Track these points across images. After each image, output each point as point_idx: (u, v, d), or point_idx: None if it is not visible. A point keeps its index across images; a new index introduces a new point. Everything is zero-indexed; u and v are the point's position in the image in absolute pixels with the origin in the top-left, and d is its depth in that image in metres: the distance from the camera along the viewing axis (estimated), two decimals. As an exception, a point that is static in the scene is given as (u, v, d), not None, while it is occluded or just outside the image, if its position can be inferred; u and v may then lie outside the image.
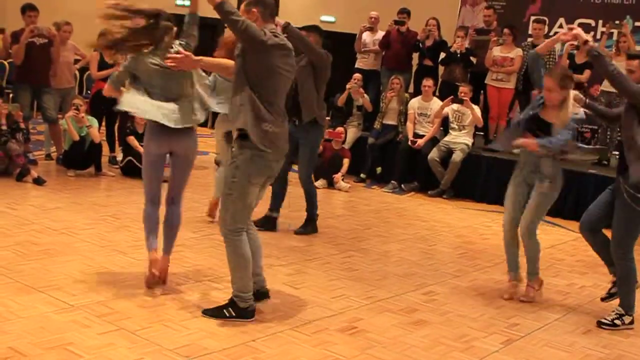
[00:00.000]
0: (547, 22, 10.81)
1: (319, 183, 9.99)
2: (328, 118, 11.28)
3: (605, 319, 5.44)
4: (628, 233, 5.31)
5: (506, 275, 5.99)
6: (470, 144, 10.17)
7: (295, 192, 7.64)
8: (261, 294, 4.96)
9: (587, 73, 10.22)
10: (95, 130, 9.09)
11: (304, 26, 7.28)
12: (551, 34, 12.54)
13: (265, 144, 4.57)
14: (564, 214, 9.34)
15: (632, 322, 5.41)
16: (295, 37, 6.63)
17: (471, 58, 10.74)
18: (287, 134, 4.81)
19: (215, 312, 4.76)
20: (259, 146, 4.55)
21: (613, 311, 5.49)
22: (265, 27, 4.62)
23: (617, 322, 5.39)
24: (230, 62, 4.97)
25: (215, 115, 7.17)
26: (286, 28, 6.42)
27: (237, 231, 4.66)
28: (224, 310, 4.74)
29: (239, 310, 4.73)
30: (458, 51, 10.57)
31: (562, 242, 8.16)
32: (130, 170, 9.17)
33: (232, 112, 4.70)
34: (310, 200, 7.35)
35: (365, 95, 10.93)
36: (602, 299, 5.79)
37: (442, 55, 10.91)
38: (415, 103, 10.56)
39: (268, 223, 7.16)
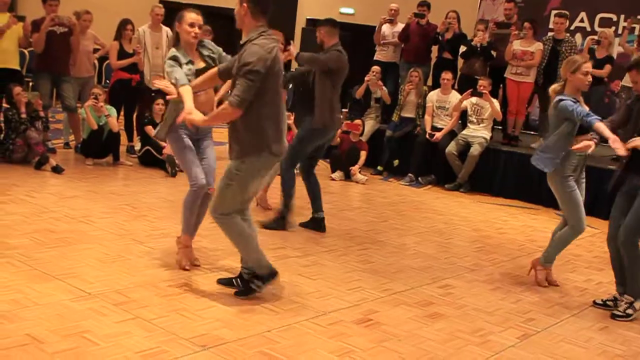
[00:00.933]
0: (568, 16, 10.71)
1: (336, 175, 10.00)
2: (346, 110, 11.30)
3: (618, 310, 5.45)
4: None
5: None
6: (488, 137, 10.13)
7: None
8: (272, 274, 5.03)
9: (607, 68, 10.14)
10: (114, 119, 9.13)
11: (318, 21, 7.23)
12: (572, 28, 12.48)
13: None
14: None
15: None
16: (306, 61, 6.73)
17: (491, 52, 10.69)
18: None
19: (244, 291, 4.97)
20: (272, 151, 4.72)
21: (622, 301, 5.49)
22: (255, 25, 4.65)
23: (629, 311, 5.40)
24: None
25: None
26: (296, 58, 6.68)
27: (226, 214, 4.77)
28: (251, 284, 4.94)
29: (262, 278, 4.92)
30: (478, 44, 10.51)
31: (579, 237, 8.07)
32: (148, 160, 9.21)
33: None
34: (282, 188, 7.08)
35: (384, 87, 10.90)
36: (594, 302, 5.75)
37: (462, 48, 10.86)
38: (433, 96, 10.53)
39: (317, 225, 7.10)
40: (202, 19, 5.32)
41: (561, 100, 5.64)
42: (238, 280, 5.05)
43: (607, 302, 5.66)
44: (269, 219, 7.03)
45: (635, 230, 5.33)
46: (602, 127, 5.30)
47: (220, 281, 5.13)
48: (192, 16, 5.24)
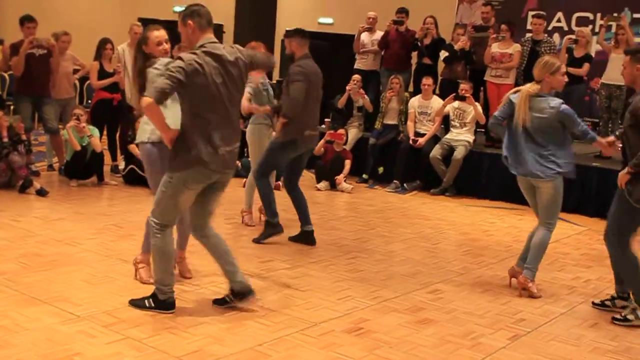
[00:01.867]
0: (546, 16, 10.79)
1: (321, 185, 10.01)
2: (328, 120, 11.32)
3: (619, 314, 5.37)
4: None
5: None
6: (471, 141, 10.17)
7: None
8: (246, 293, 5.02)
9: (586, 66, 10.24)
10: (97, 139, 9.10)
11: (286, 32, 7.22)
12: (550, 28, 12.57)
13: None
14: (568, 208, 9.33)
15: None
16: (291, 112, 6.59)
17: (472, 55, 10.74)
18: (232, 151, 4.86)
19: (138, 302, 4.93)
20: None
21: (626, 306, 5.42)
22: (202, 38, 4.67)
23: (630, 316, 5.30)
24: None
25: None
26: (285, 116, 6.62)
27: (162, 227, 4.77)
28: (145, 301, 4.90)
29: (158, 302, 4.86)
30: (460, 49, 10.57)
31: (566, 236, 8.15)
32: (133, 178, 9.18)
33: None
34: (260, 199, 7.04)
35: (366, 96, 10.93)
36: (593, 303, 5.72)
37: (443, 53, 10.89)
38: (415, 102, 10.56)
39: (306, 238, 7.05)
40: (165, 33, 5.32)
41: (562, 104, 5.62)
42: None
43: (605, 302, 5.62)
44: (261, 233, 6.99)
45: (615, 228, 5.35)
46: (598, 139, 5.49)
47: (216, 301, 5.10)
48: (155, 34, 5.24)
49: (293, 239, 7.02)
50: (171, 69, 4.54)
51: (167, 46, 5.27)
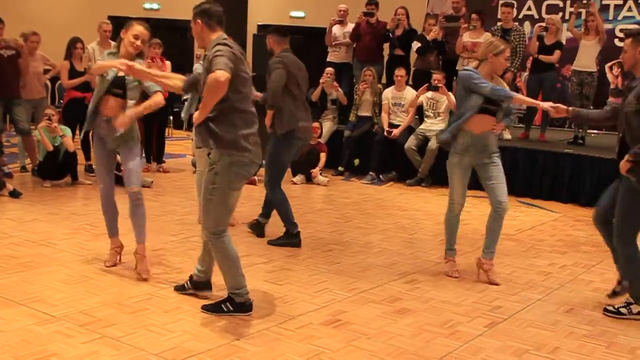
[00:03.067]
0: (515, 5, 10.86)
1: (297, 179, 10.01)
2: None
3: (612, 306, 5.31)
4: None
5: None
6: (445, 131, 10.19)
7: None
8: (205, 285, 5.11)
9: (557, 54, 10.30)
10: (69, 139, 9.03)
11: (265, 29, 7.21)
12: (520, 17, 12.64)
13: (242, 147, 4.63)
14: (543, 194, 9.42)
15: None
16: (271, 99, 6.61)
17: (445, 45, 10.78)
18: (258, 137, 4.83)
19: (214, 308, 4.87)
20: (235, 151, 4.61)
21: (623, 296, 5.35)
22: (213, 37, 4.66)
23: (623, 310, 5.24)
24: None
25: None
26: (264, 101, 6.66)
27: (220, 234, 4.71)
28: (222, 305, 4.85)
29: (235, 305, 4.83)
30: (433, 40, 10.60)
31: (541, 222, 8.22)
32: (107, 178, 9.12)
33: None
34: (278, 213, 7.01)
35: (339, 88, 10.94)
36: (608, 296, 5.56)
37: (415, 43, 10.91)
38: (388, 93, 10.59)
39: (258, 229, 7.07)
40: (148, 34, 5.32)
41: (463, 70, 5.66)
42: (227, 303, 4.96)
43: (615, 290, 5.46)
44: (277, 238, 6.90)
45: (622, 228, 5.12)
46: (520, 96, 5.35)
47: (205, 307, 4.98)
48: (138, 28, 5.27)
49: (248, 225, 7.12)
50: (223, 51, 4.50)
51: (140, 44, 5.28)
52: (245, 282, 4.86)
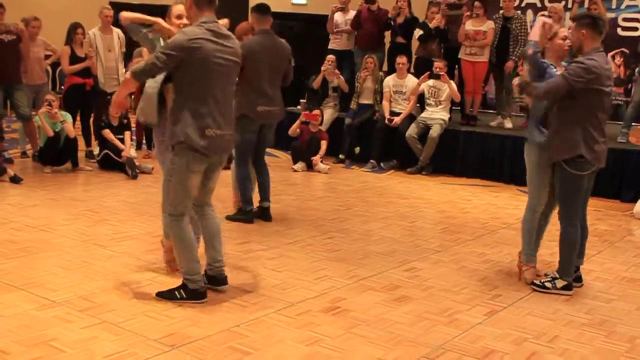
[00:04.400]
0: (517, -7, 10.82)
1: (298, 166, 10.00)
2: (304, 100, 11.30)
3: (539, 280, 5.49)
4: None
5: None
6: (447, 119, 10.19)
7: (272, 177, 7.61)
8: (218, 280, 5.03)
9: (559, 42, 10.23)
10: (70, 125, 9.02)
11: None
12: (523, 5, 12.59)
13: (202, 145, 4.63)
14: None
15: (566, 287, 5.38)
16: None
17: (447, 33, 10.74)
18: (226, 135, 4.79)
19: (167, 294, 4.80)
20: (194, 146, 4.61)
21: (547, 274, 5.54)
22: (199, 17, 4.63)
23: (548, 284, 5.40)
24: None
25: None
26: None
27: (177, 216, 4.70)
28: (176, 292, 4.79)
29: (189, 292, 4.77)
30: (435, 27, 10.57)
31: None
32: (108, 164, 9.14)
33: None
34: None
35: (341, 76, 10.91)
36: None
37: (417, 31, 10.86)
38: (390, 81, 10.56)
39: (262, 214, 7.11)
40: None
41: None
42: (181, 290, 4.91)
43: (545, 284, 5.48)
44: (233, 214, 7.02)
45: (561, 204, 5.40)
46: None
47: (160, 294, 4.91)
48: (179, 8, 5.18)
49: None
50: (160, 52, 4.51)
51: (186, 22, 5.10)
52: (200, 269, 4.82)
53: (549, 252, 6.24)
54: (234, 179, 7.20)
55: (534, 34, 5.25)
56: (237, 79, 5.13)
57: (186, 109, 4.60)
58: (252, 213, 6.99)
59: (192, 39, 4.52)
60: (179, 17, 5.17)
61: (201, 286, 4.80)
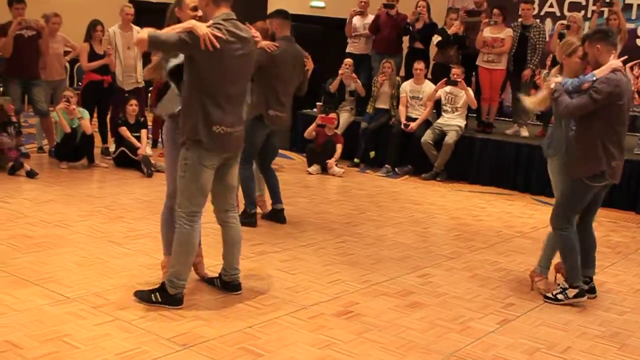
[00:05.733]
0: (535, 2, 10.79)
1: (313, 169, 10.00)
2: (320, 103, 11.31)
3: (551, 293, 5.44)
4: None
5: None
6: (463, 125, 10.17)
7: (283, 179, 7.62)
8: (232, 287, 5.03)
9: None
10: (87, 121, 9.07)
11: (269, 13, 7.19)
12: (542, 13, 12.55)
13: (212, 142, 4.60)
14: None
15: (578, 295, 5.34)
16: None
17: (465, 40, 10.73)
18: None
19: (144, 295, 4.73)
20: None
21: (558, 284, 5.50)
22: (216, 13, 4.60)
23: (560, 296, 5.37)
24: None
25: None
26: None
27: (191, 215, 4.64)
28: (152, 295, 4.71)
29: (166, 296, 4.68)
30: (454, 34, 10.56)
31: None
32: (123, 161, 9.17)
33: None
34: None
35: (358, 80, 10.92)
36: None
37: (435, 37, 10.86)
38: (407, 86, 10.56)
39: (276, 216, 7.14)
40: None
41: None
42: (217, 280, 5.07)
43: (558, 296, 5.43)
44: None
45: (561, 207, 5.39)
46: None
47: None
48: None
49: (264, 217, 7.15)
50: (184, 35, 4.40)
51: (200, 14, 5.05)
52: (188, 277, 4.75)
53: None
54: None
55: (601, 72, 5.13)
56: (251, 77, 5.05)
57: (197, 104, 4.55)
58: (255, 215, 6.98)
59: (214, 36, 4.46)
60: (194, 9, 4.97)
61: (180, 292, 4.70)
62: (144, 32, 4.40)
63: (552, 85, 5.27)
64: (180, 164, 4.66)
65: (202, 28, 4.41)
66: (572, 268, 5.38)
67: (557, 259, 5.64)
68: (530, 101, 5.72)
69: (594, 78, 5.09)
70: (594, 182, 5.21)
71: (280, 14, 6.93)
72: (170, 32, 4.46)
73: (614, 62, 5.16)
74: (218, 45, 4.42)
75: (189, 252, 4.69)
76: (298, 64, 6.95)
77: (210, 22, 4.57)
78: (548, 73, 5.61)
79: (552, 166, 5.55)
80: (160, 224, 5.06)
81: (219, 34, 4.45)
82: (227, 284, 5.04)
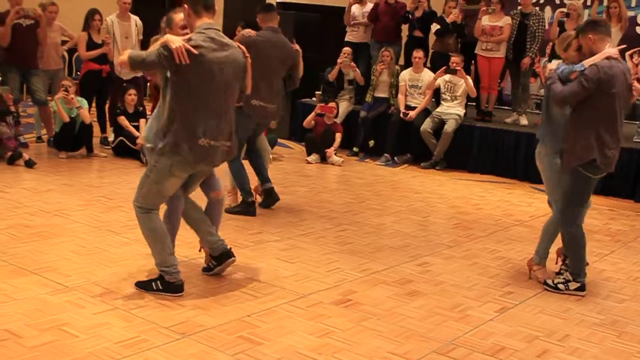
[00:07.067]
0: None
1: (312, 158, 9.99)
2: (319, 92, 11.29)
3: (552, 280, 5.45)
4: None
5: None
6: (462, 114, 10.16)
7: (282, 168, 7.61)
8: (225, 255, 5.06)
9: (577, 40, 10.17)
10: (86, 111, 9.05)
11: (285, 8, 7.21)
12: (541, 1, 12.52)
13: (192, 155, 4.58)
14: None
15: (579, 289, 5.35)
16: None
17: (464, 28, 10.70)
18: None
19: (144, 285, 4.77)
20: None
21: (561, 273, 5.52)
22: (198, 23, 4.58)
23: (561, 286, 5.37)
24: None
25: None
26: None
27: (146, 210, 4.65)
28: (152, 283, 4.74)
29: (166, 284, 4.71)
30: (452, 22, 10.53)
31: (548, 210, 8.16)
32: (122, 151, 9.17)
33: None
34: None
35: (357, 68, 10.90)
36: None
37: (434, 25, 10.83)
38: (406, 75, 10.53)
39: (270, 196, 7.16)
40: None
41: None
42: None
43: (559, 286, 5.43)
44: (235, 205, 7.04)
45: (565, 202, 5.34)
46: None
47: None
48: (181, 16, 4.93)
49: (262, 205, 7.18)
50: (162, 50, 4.41)
51: (189, 32, 5.04)
52: (176, 262, 4.74)
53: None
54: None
55: (591, 60, 5.12)
56: (239, 88, 4.92)
57: (180, 114, 4.52)
58: (254, 204, 6.99)
59: (193, 46, 4.43)
60: (183, 27, 4.94)
61: (177, 279, 4.71)
62: (125, 54, 4.49)
63: (547, 73, 5.28)
64: (150, 165, 4.66)
65: (174, 41, 4.41)
66: (578, 262, 5.38)
67: (554, 246, 5.65)
68: None
69: (582, 68, 5.10)
70: (591, 172, 5.19)
71: (264, 7, 7.01)
72: (151, 49, 4.52)
73: (607, 50, 5.15)
74: (187, 60, 4.39)
75: (158, 238, 4.68)
76: (284, 55, 6.90)
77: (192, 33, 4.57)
78: (548, 61, 5.63)
79: (544, 164, 5.57)
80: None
81: (191, 48, 4.40)
82: (220, 257, 5.04)
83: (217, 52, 4.55)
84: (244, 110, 6.62)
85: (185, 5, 4.63)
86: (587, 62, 5.11)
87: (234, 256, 5.11)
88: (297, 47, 7.06)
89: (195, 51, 4.41)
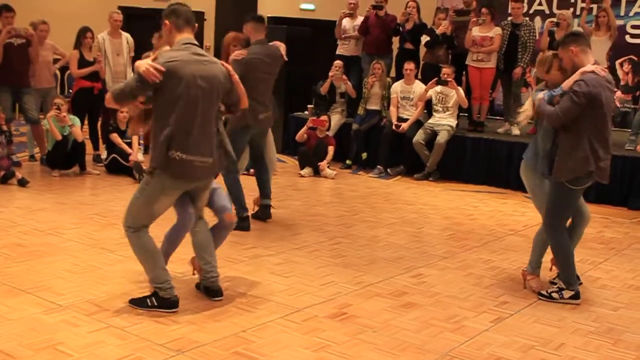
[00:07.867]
0: (525, 0, 10.81)
1: (305, 171, 10.00)
2: (311, 106, 11.31)
3: (546, 290, 5.46)
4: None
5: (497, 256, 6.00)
6: (454, 125, 10.18)
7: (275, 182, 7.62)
8: (213, 292, 4.99)
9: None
10: (78, 129, 9.05)
11: (276, 22, 7.25)
12: (531, 11, 12.59)
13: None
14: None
15: (573, 297, 5.36)
16: None
17: (454, 40, 10.74)
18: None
19: (139, 302, 4.75)
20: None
21: (555, 283, 5.55)
22: (178, 37, 4.60)
23: (555, 295, 5.39)
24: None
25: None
26: None
27: (135, 229, 4.64)
28: (147, 300, 4.73)
29: (161, 300, 4.70)
30: (442, 34, 10.57)
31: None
32: (115, 168, 9.16)
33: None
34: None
35: (348, 81, 10.93)
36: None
37: (424, 37, 10.87)
38: (397, 87, 10.57)
39: (264, 212, 7.20)
40: None
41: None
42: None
43: (552, 295, 5.46)
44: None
45: (549, 214, 5.37)
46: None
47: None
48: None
49: (253, 216, 7.17)
50: (137, 75, 4.44)
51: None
52: (169, 277, 4.73)
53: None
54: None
55: (568, 81, 5.16)
56: (220, 101, 4.85)
57: (159, 131, 4.53)
58: (248, 219, 6.94)
59: (168, 61, 4.44)
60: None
61: (172, 295, 4.70)
62: (109, 94, 4.58)
63: (537, 103, 5.32)
64: (140, 187, 4.67)
65: (141, 65, 4.44)
66: (567, 271, 5.42)
67: (548, 255, 5.65)
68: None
69: (561, 91, 5.14)
70: (576, 185, 5.21)
71: (254, 18, 7.02)
72: (130, 79, 4.56)
73: (584, 67, 5.16)
74: (159, 77, 4.40)
75: (149, 255, 4.68)
76: (274, 64, 6.98)
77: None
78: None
79: (530, 182, 5.64)
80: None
81: (157, 65, 4.40)
82: (208, 290, 5.02)
83: (192, 65, 4.54)
84: (249, 125, 6.72)
85: (167, 21, 4.63)
86: (566, 85, 5.14)
87: (222, 296, 5.01)
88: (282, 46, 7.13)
89: (162, 68, 4.41)
